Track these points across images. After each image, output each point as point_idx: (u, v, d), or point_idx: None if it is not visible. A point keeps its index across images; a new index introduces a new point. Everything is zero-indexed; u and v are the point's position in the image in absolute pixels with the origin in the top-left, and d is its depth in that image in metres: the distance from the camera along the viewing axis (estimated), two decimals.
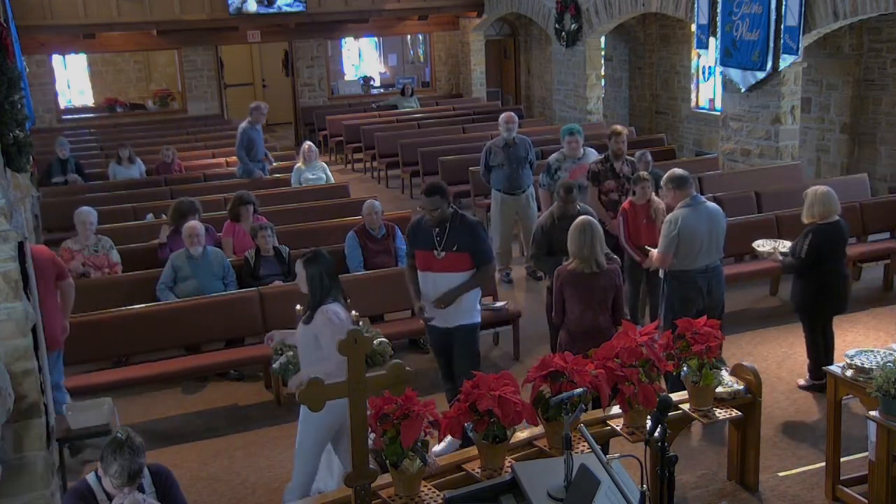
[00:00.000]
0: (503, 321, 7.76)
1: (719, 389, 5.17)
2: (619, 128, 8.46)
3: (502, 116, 9.75)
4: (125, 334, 6.91)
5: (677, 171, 6.75)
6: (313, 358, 5.02)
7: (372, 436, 4.16)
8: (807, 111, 12.56)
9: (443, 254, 5.90)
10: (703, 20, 11.87)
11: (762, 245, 7.27)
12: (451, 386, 6.15)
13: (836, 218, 6.68)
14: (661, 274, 6.81)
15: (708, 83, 15.88)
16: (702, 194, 9.73)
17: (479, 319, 6.20)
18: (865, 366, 5.06)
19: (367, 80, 22.16)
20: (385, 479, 4.26)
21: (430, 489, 4.24)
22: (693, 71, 16.10)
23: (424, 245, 5.99)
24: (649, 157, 9.67)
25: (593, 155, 8.98)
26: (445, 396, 6.28)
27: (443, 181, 6.64)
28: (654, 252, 6.72)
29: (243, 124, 11.87)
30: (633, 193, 7.64)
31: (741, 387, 5.28)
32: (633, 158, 8.56)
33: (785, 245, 7.17)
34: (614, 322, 5.89)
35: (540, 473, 3.85)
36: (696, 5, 11.98)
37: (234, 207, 8.50)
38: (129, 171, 12.37)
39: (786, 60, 10.65)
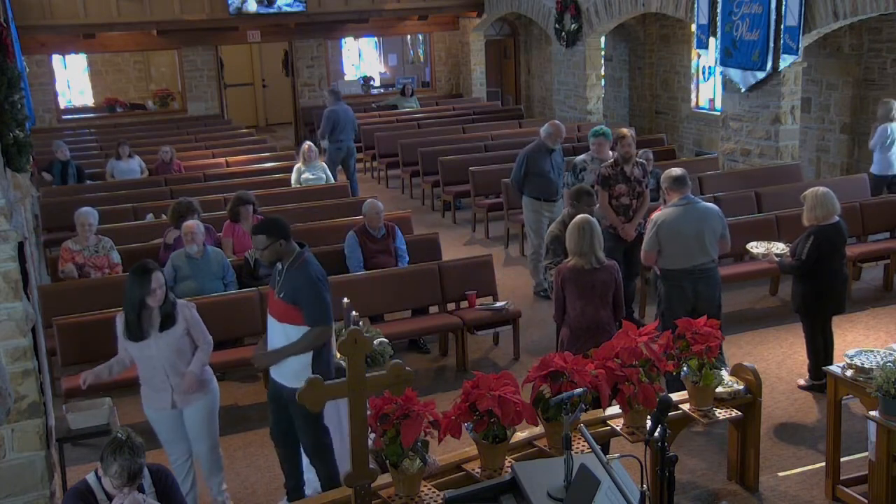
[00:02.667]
0: (503, 321, 7.76)
1: (719, 389, 5.18)
2: (624, 130, 8.22)
3: (549, 127, 9.38)
4: None
5: (674, 170, 6.78)
6: (187, 359, 5.11)
7: (372, 436, 4.17)
8: (807, 111, 12.56)
9: (278, 297, 5.13)
10: (703, 20, 11.87)
11: (756, 247, 7.27)
12: (284, 451, 5.38)
13: (837, 219, 6.68)
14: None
15: (708, 83, 15.88)
16: (702, 194, 9.82)
17: None
18: (865, 366, 5.07)
19: (367, 80, 22.17)
20: (385, 479, 4.26)
21: (430, 489, 4.25)
22: (693, 71, 16.10)
23: (272, 282, 5.28)
24: (650, 156, 9.68)
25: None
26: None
27: (279, 218, 5.46)
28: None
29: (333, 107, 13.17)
30: (664, 202, 7.53)
31: (741, 387, 5.29)
32: (643, 161, 8.46)
33: (778, 247, 7.17)
34: (615, 318, 5.89)
35: (540, 473, 3.85)
36: (696, 5, 11.99)
37: (234, 207, 8.49)
38: (128, 167, 12.37)
39: (786, 60, 10.65)
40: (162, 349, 5.09)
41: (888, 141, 10.54)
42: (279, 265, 5.16)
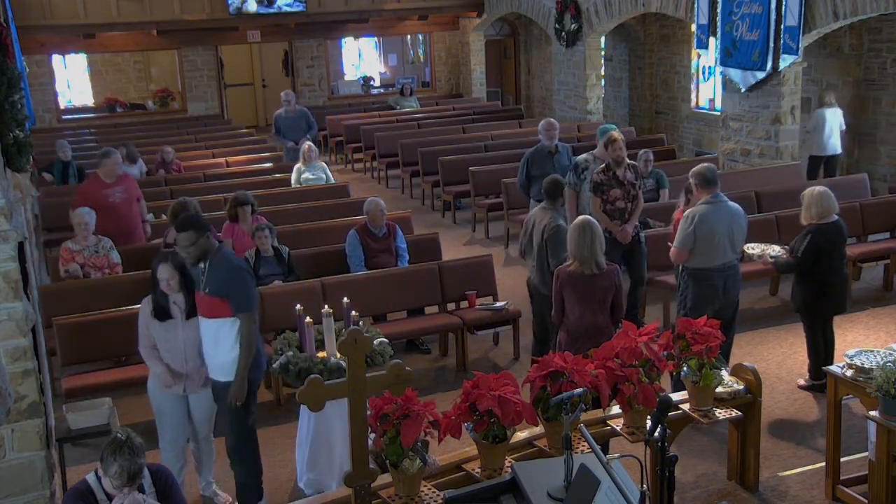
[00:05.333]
0: (503, 321, 7.76)
1: (719, 389, 5.17)
2: (615, 134, 8.10)
3: (543, 123, 9.50)
4: (125, 334, 6.87)
5: (703, 167, 6.72)
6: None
7: (372, 436, 4.16)
8: (807, 111, 12.57)
9: (204, 293, 5.15)
10: (703, 20, 11.88)
11: (752, 248, 7.26)
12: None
13: (835, 217, 6.68)
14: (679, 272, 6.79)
15: (708, 83, 15.89)
16: None
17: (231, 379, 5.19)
18: (865, 366, 5.07)
19: (367, 80, 22.17)
20: (385, 479, 4.26)
21: (430, 489, 4.24)
22: (693, 71, 16.11)
23: (196, 283, 5.26)
24: (650, 156, 9.69)
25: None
26: None
27: (197, 214, 5.62)
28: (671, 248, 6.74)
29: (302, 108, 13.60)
30: (687, 202, 7.33)
31: (741, 387, 5.29)
32: (635, 163, 8.41)
33: (774, 249, 7.17)
34: (614, 322, 5.88)
35: (540, 473, 3.85)
36: (696, 5, 11.99)
37: (232, 208, 8.46)
38: (131, 171, 12.37)
39: (786, 60, 10.66)
40: (189, 332, 5.24)
41: (822, 125, 11.65)
42: (201, 264, 5.16)
